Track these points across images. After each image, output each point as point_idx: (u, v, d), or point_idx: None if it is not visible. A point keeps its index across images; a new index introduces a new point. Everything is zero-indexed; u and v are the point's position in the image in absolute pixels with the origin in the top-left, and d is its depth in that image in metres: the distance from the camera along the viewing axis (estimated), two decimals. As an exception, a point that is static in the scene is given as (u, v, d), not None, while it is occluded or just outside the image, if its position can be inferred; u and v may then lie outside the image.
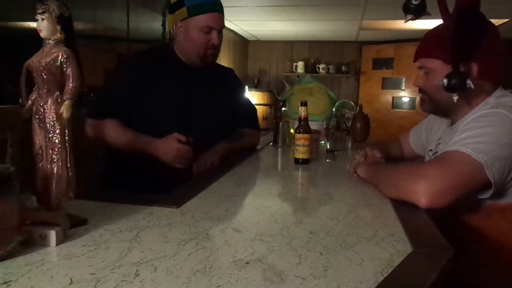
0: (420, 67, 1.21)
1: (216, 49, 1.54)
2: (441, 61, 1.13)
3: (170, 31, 1.57)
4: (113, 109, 1.44)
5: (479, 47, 1.08)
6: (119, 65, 1.59)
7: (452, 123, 1.21)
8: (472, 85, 1.02)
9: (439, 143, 1.26)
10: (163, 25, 1.60)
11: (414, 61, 1.22)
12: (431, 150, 1.32)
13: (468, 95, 1.10)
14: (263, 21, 5.18)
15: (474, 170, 0.97)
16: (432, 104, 1.22)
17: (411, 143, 1.54)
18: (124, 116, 1.44)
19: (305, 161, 1.50)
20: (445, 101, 1.14)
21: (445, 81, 1.04)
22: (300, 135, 1.48)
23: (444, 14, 1.19)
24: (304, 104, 1.52)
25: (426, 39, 1.22)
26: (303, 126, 1.50)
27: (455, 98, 1.06)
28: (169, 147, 1.35)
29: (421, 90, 1.23)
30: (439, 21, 1.21)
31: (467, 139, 1.01)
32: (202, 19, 1.46)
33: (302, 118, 1.51)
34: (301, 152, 1.49)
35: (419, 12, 1.25)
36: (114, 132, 1.41)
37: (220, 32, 1.51)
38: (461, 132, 1.05)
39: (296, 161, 1.50)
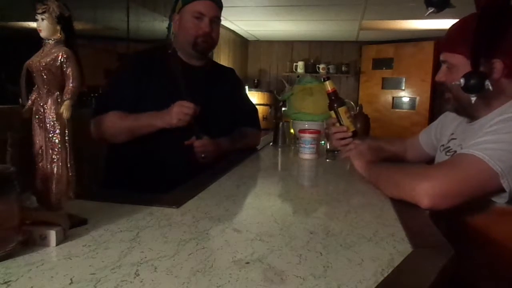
0: (443, 61, 1.15)
1: (208, 37, 1.52)
2: (463, 56, 1.06)
3: (173, 33, 1.59)
4: (114, 106, 1.44)
5: (505, 42, 1.00)
6: (120, 64, 1.62)
7: (472, 120, 1.15)
8: (490, 87, 0.97)
9: (453, 138, 1.22)
10: (168, 27, 1.63)
11: (438, 53, 1.16)
12: (442, 145, 1.28)
13: (489, 95, 1.03)
14: (263, 21, 5.19)
15: (486, 177, 0.93)
16: (455, 103, 1.15)
17: (422, 143, 1.48)
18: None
19: (355, 133, 1.40)
20: (467, 100, 1.07)
21: (462, 81, 0.99)
22: (345, 108, 1.37)
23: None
24: (327, 78, 1.42)
25: (450, 32, 1.14)
26: (337, 99, 1.38)
27: (473, 99, 1.00)
28: (175, 106, 1.39)
29: (444, 87, 1.16)
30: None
31: (486, 143, 0.96)
32: (194, 6, 1.49)
33: (331, 92, 1.39)
34: (354, 124, 1.39)
35: (441, 5, 1.14)
36: (117, 118, 1.42)
37: (212, 22, 1.51)
38: (483, 134, 0.99)
39: (354, 133, 1.39)
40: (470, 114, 1.16)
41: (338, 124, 1.41)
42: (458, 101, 1.13)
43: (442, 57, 1.15)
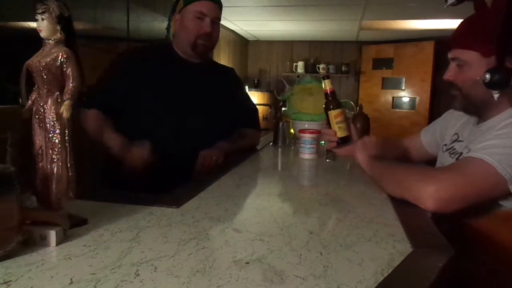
0: (452, 59, 1.10)
1: (208, 39, 1.53)
2: (478, 53, 1.03)
3: (173, 34, 1.60)
4: (102, 100, 1.44)
5: None
6: (114, 59, 1.62)
7: (480, 121, 1.12)
8: None
9: (458, 140, 1.20)
10: (168, 28, 1.64)
11: (447, 51, 1.12)
12: (445, 145, 1.26)
13: (509, 93, 1.00)
14: (263, 21, 5.19)
15: (494, 182, 0.92)
16: (465, 101, 1.11)
17: (424, 142, 1.44)
18: (114, 108, 1.44)
19: (345, 140, 1.32)
20: (480, 98, 1.05)
21: (487, 76, 0.96)
22: (337, 111, 1.31)
23: (477, 3, 1.09)
24: (326, 77, 1.36)
25: (462, 28, 1.10)
26: (333, 101, 1.32)
27: (496, 96, 0.97)
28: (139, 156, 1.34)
29: (452, 85, 1.12)
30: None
31: (496, 147, 0.94)
32: (195, 6, 1.50)
33: (329, 92, 1.34)
34: (343, 129, 1.33)
35: None
36: (92, 119, 1.42)
37: (214, 23, 1.52)
38: (493, 137, 0.98)
39: (342, 140, 1.33)
40: (480, 113, 1.13)
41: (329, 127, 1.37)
42: (469, 99, 1.10)
43: (452, 55, 1.10)
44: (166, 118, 1.47)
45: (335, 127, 1.33)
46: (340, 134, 1.32)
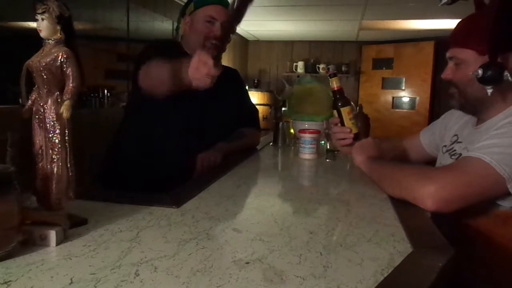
0: (450, 58, 1.12)
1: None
2: (474, 52, 1.05)
3: (181, 36, 1.60)
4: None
5: None
6: (143, 50, 1.55)
7: (479, 122, 1.13)
8: (510, 77, 0.95)
9: (457, 141, 1.20)
10: (177, 30, 1.65)
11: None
12: (445, 146, 1.27)
13: (503, 90, 1.02)
14: (263, 21, 5.19)
15: (493, 182, 0.93)
16: (462, 99, 1.12)
17: (424, 143, 1.45)
18: None
19: (357, 136, 1.33)
20: (476, 95, 1.06)
21: (480, 71, 0.97)
22: (349, 108, 1.32)
23: (477, 1, 1.11)
24: (333, 75, 1.35)
25: (459, 28, 1.11)
26: (342, 98, 1.32)
27: (490, 91, 0.98)
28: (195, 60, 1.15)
29: (450, 84, 1.14)
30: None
31: (494, 147, 0.95)
32: (206, 10, 1.50)
33: (337, 90, 1.34)
34: (356, 126, 1.33)
35: None
36: (158, 65, 1.29)
37: None
38: (490, 137, 0.98)
39: (356, 136, 1.34)
40: (477, 111, 1.13)
41: (340, 124, 1.38)
42: (465, 97, 1.11)
43: (449, 54, 1.12)
44: (170, 118, 1.47)
45: (349, 123, 1.33)
46: (355, 130, 1.33)
